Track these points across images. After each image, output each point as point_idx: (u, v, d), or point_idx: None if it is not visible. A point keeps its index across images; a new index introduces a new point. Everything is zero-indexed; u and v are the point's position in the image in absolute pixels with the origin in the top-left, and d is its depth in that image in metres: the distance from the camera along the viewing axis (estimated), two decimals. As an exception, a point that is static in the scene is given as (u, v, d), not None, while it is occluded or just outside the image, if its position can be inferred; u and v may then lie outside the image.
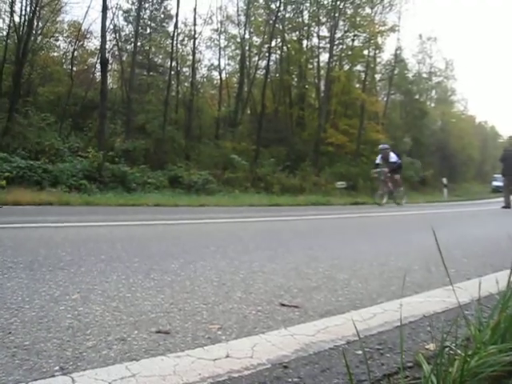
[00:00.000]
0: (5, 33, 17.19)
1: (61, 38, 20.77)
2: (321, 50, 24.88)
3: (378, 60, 28.17)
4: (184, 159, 17.87)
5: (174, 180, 15.17)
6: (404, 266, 2.75)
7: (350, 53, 25.02)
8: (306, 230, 5.59)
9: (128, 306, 1.72)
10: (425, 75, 36.98)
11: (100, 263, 2.55)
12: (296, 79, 25.61)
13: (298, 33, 24.72)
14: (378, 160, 13.05)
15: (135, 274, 2.30)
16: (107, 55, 17.71)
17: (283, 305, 1.81)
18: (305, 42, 25.25)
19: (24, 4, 16.38)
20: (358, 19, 24.00)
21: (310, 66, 25.52)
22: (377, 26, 24.55)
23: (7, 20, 17.11)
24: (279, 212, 8.30)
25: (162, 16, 22.58)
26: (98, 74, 19.23)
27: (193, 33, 21.72)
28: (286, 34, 23.77)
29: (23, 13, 16.43)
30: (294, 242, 3.98)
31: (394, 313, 1.65)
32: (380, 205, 12.10)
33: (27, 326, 1.45)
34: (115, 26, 19.56)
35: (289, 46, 23.99)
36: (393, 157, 12.80)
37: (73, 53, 20.00)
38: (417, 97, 33.74)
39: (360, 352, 1.25)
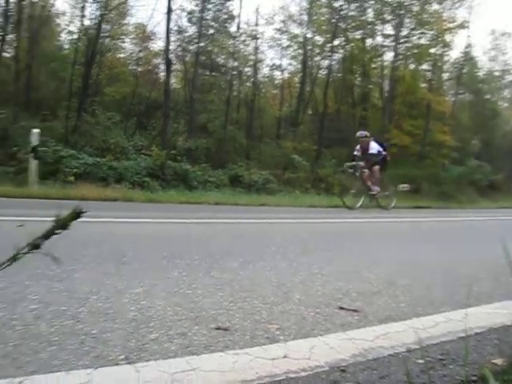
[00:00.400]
0: (76, 36, 18.15)
1: (127, 39, 21.51)
2: (385, 49, 24.29)
3: (446, 58, 27.06)
4: (245, 158, 17.99)
5: (234, 179, 15.31)
6: (469, 274, 2.64)
7: (415, 51, 24.21)
8: (366, 232, 5.49)
9: (188, 302, 1.76)
10: (497, 73, 35.13)
11: (162, 260, 2.62)
12: (359, 78, 25.12)
13: (361, 31, 24.24)
14: (356, 151, 10.69)
15: (195, 271, 2.35)
16: (171, 56, 18.14)
17: (342, 308, 1.78)
18: (368, 41, 24.70)
19: (93, 8, 17.30)
20: (425, 16, 23.17)
21: (374, 65, 24.96)
22: (445, 23, 23.59)
23: (78, 24, 18.08)
24: (340, 213, 8.19)
25: (225, 17, 22.86)
26: (161, 75, 19.76)
27: (255, 33, 21.89)
28: (349, 33, 23.37)
29: (92, 16, 17.37)
30: (354, 245, 3.92)
31: (458, 323, 1.59)
32: (352, 208, 9.67)
33: (94, 316, 1.53)
34: (179, 27, 20.01)
35: (352, 44, 23.57)
36: (373, 147, 10.39)
37: (138, 54, 20.73)
38: (488, 96, 32.10)
39: (421, 361, 1.22)
